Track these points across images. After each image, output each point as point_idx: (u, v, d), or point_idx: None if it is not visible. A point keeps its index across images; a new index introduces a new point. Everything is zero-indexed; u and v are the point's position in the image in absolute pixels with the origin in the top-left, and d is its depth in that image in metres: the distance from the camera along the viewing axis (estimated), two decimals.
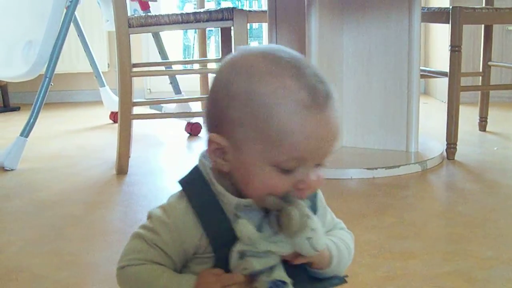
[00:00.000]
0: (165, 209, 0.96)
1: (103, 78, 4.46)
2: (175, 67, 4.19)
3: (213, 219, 0.93)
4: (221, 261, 0.92)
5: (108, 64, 5.40)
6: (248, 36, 3.02)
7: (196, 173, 0.97)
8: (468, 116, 3.97)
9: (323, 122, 0.88)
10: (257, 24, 6.00)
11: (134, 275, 0.93)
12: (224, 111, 0.90)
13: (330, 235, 1.03)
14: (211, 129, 0.95)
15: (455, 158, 3.09)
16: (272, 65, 0.89)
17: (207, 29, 4.38)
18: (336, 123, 0.90)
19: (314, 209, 0.98)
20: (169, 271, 0.94)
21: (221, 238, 0.92)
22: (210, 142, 0.93)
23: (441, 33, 5.07)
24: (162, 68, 4.14)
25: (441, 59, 4.86)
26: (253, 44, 6.29)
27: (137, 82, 3.64)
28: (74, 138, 4.02)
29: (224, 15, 2.83)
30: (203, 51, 4.11)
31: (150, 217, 0.98)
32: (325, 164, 0.93)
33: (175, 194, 0.99)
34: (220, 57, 3.64)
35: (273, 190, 0.90)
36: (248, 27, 3.02)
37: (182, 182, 0.98)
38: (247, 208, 0.91)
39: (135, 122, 3.07)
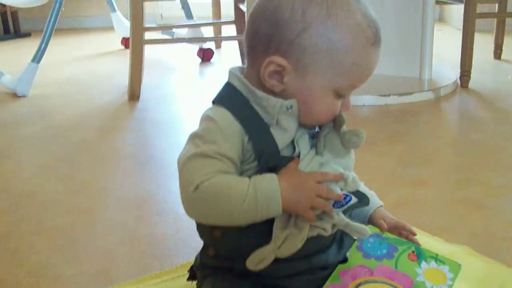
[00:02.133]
0: (211, 118, 0.94)
1: (114, 3, 4.42)
2: None
3: (253, 125, 0.93)
4: (264, 170, 0.92)
5: None
6: None
7: (229, 88, 0.97)
8: (483, 44, 3.92)
9: (377, 58, 0.96)
10: None
11: (212, 188, 0.88)
12: (296, 37, 0.91)
13: None
14: (270, 50, 0.94)
15: (469, 86, 3.07)
16: None
17: None
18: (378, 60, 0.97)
19: None
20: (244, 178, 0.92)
21: (262, 144, 0.93)
22: (269, 63, 0.93)
23: None
24: None
25: None
26: None
27: (148, 7, 3.62)
28: (86, 64, 4.01)
29: None
30: None
31: (196, 135, 0.94)
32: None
33: (211, 108, 0.97)
34: None
35: (329, 113, 0.95)
36: None
37: (218, 99, 0.97)
38: (289, 111, 0.93)
39: (146, 48, 3.06)
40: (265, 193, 0.88)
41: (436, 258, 1.01)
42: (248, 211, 0.88)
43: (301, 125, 0.95)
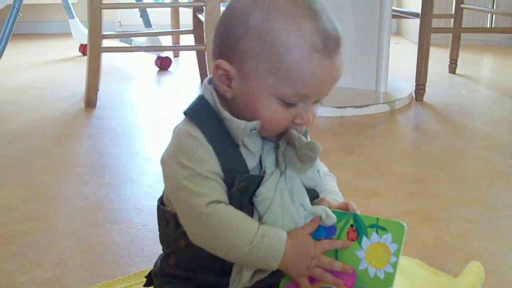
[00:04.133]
0: (190, 135, 0.94)
1: (72, 9, 4.39)
2: (146, 0, 4.13)
3: (224, 146, 0.93)
4: (235, 191, 0.92)
5: None
6: None
7: (202, 101, 0.97)
8: (438, 58, 3.99)
9: (330, 67, 0.92)
10: None
11: (224, 216, 0.91)
12: (237, 40, 0.92)
13: (326, 190, 1.07)
14: (218, 55, 0.95)
15: (424, 99, 3.11)
16: (290, 3, 0.91)
17: None
18: (340, 68, 0.95)
19: None
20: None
21: (233, 166, 0.93)
22: (217, 67, 0.94)
23: None
24: (133, 0, 4.09)
25: (414, 0, 4.84)
26: None
27: (107, 14, 3.60)
28: (43, 70, 3.97)
29: None
30: None
31: (180, 153, 0.94)
32: (323, 103, 0.98)
33: (181, 124, 0.97)
34: None
35: (276, 121, 0.93)
36: None
37: (190, 112, 0.97)
38: (253, 132, 0.93)
39: (104, 55, 3.05)
40: (270, 248, 0.90)
41: (377, 225, 0.97)
42: (246, 255, 0.90)
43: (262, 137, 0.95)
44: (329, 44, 0.91)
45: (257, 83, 0.91)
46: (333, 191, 1.07)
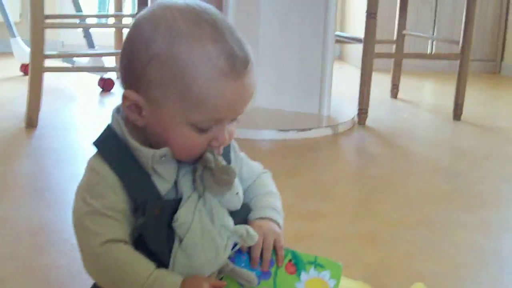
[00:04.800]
0: (93, 169, 0.93)
1: (14, 28, 4.33)
2: (89, 20, 4.10)
3: (132, 176, 0.92)
4: (150, 218, 0.91)
5: (20, 14, 5.25)
6: None
7: (109, 131, 0.96)
8: (380, 82, 4.03)
9: (240, 88, 0.90)
10: None
11: (116, 256, 0.90)
12: (142, 69, 0.90)
13: (260, 195, 1.08)
14: (126, 84, 0.93)
15: (366, 123, 3.14)
16: (193, 26, 0.88)
17: None
18: (252, 87, 0.93)
19: (228, 161, 1.00)
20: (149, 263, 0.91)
21: (142, 194, 0.91)
22: (125, 98, 0.92)
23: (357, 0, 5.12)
24: (76, 21, 4.05)
25: (357, 25, 4.91)
26: None
27: (50, 34, 3.56)
28: None
29: None
30: (119, 6, 4.03)
31: (84, 188, 0.93)
32: (238, 119, 0.96)
33: (92, 157, 0.96)
34: (136, 13, 3.58)
35: (190, 148, 0.92)
36: None
37: (96, 143, 0.96)
38: (163, 159, 0.92)
39: (46, 75, 3.00)
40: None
41: (315, 262, 0.98)
42: None
43: (179, 161, 0.94)
44: (237, 66, 0.89)
45: (167, 110, 0.90)
46: (262, 207, 1.05)
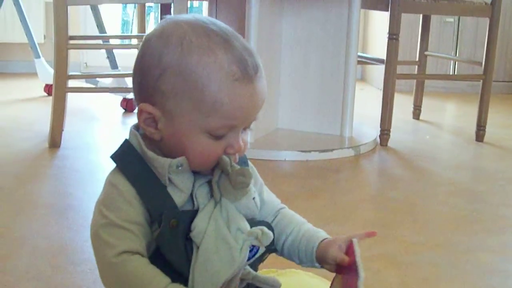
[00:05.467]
0: (111, 184, 0.95)
1: (38, 49, 4.37)
2: (112, 41, 4.13)
3: (149, 187, 0.93)
4: (166, 229, 0.91)
5: (45, 35, 5.29)
6: (188, 13, 3.00)
7: (126, 145, 0.98)
8: (402, 104, 4.03)
9: (252, 92, 0.92)
10: (197, 2, 5.96)
11: (131, 269, 0.90)
12: (155, 82, 0.92)
13: (299, 224, 1.10)
14: (141, 98, 0.95)
15: (388, 144, 3.14)
16: (203, 37, 0.91)
17: (147, 5, 4.33)
18: (263, 93, 0.95)
19: None
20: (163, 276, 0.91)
21: (159, 207, 0.92)
22: (140, 111, 0.94)
23: (380, 20, 5.12)
24: (100, 42, 4.08)
25: (379, 47, 4.91)
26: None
27: (73, 55, 3.59)
28: (7, 109, 3.94)
29: None
30: (142, 27, 4.06)
31: (101, 202, 0.95)
32: (251, 128, 0.98)
33: (111, 171, 0.98)
34: None
35: (207, 156, 0.93)
36: (189, 5, 3.00)
37: (114, 156, 0.97)
38: (180, 169, 0.93)
39: (70, 96, 3.03)
40: None
41: None
42: None
43: (195, 172, 0.95)
44: (248, 71, 0.91)
45: (182, 120, 0.92)
46: (316, 231, 1.09)
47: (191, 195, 0.95)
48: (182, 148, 0.93)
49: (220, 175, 0.94)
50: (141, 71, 0.95)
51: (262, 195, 1.07)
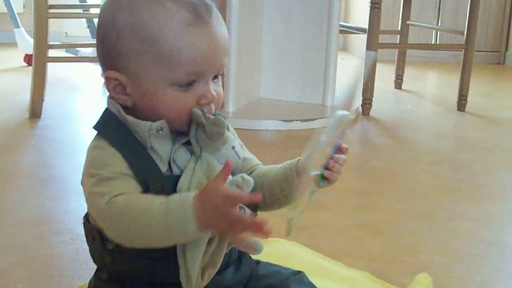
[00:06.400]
0: (97, 146, 0.93)
1: (18, 19, 4.33)
2: (93, 11, 4.09)
3: (133, 152, 0.92)
4: (146, 191, 0.89)
5: (24, 4, 5.25)
6: None
7: (107, 114, 0.96)
8: (384, 73, 4.03)
9: (210, 34, 0.91)
10: None
11: (123, 202, 0.86)
12: (114, 46, 0.92)
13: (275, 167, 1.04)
14: (106, 67, 0.95)
15: (370, 114, 3.14)
16: None
17: None
18: (223, 35, 0.94)
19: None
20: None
21: (144, 170, 0.91)
22: (108, 80, 0.94)
23: None
24: (80, 11, 4.05)
25: (360, 16, 4.90)
26: None
27: (53, 24, 3.55)
28: None
29: None
30: None
31: (88, 165, 0.92)
32: (222, 75, 0.97)
33: (93, 139, 0.96)
34: None
35: (178, 109, 0.92)
36: None
37: (97, 126, 0.96)
38: (160, 133, 0.92)
39: (50, 66, 3.01)
40: (178, 210, 0.83)
41: None
42: (160, 228, 0.84)
43: (173, 130, 0.93)
44: (200, 14, 0.90)
45: (147, 78, 0.91)
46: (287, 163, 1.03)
47: (169, 162, 0.93)
48: (154, 108, 0.92)
49: (197, 129, 0.92)
50: (101, 40, 0.95)
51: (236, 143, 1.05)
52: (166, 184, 0.90)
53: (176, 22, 0.89)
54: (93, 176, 0.90)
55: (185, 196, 0.84)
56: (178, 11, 0.89)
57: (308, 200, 0.95)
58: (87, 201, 0.92)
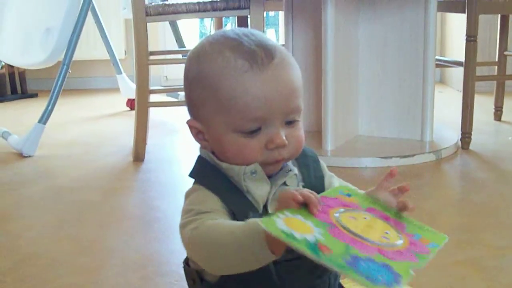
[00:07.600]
0: (194, 190, 0.97)
1: (120, 65, 4.49)
2: None
3: (230, 194, 0.94)
4: None
5: (125, 51, 5.42)
6: (265, 24, 3.03)
7: (201, 161, 1.01)
8: (483, 105, 3.96)
9: (267, 80, 0.91)
10: (273, 12, 6.00)
11: (207, 227, 0.87)
12: (189, 97, 0.99)
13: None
14: (189, 115, 1.01)
15: (470, 147, 3.09)
16: (215, 44, 0.96)
17: (224, 17, 4.38)
18: (288, 78, 0.94)
19: (318, 173, 1.04)
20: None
21: (243, 210, 0.92)
22: (190, 127, 1.00)
23: (457, 22, 5.05)
24: (179, 56, 4.16)
25: (457, 49, 4.84)
26: (269, 31, 6.30)
27: (153, 69, 3.67)
28: (91, 125, 4.05)
29: (241, 4, 2.84)
30: None
31: (185, 209, 0.95)
32: (298, 119, 0.96)
33: (190, 188, 0.99)
34: None
35: (245, 154, 0.94)
36: (264, 15, 3.03)
37: (193, 173, 1.00)
38: (254, 176, 0.94)
39: (151, 110, 3.10)
40: (251, 231, 0.80)
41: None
42: (238, 251, 0.82)
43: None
44: (257, 60, 0.91)
45: (214, 125, 0.95)
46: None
47: (265, 206, 0.95)
48: (224, 154, 0.96)
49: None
50: (184, 91, 1.02)
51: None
52: None
53: (232, 70, 0.91)
54: (189, 210, 0.93)
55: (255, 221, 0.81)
56: (235, 59, 0.92)
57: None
58: (181, 231, 0.93)
